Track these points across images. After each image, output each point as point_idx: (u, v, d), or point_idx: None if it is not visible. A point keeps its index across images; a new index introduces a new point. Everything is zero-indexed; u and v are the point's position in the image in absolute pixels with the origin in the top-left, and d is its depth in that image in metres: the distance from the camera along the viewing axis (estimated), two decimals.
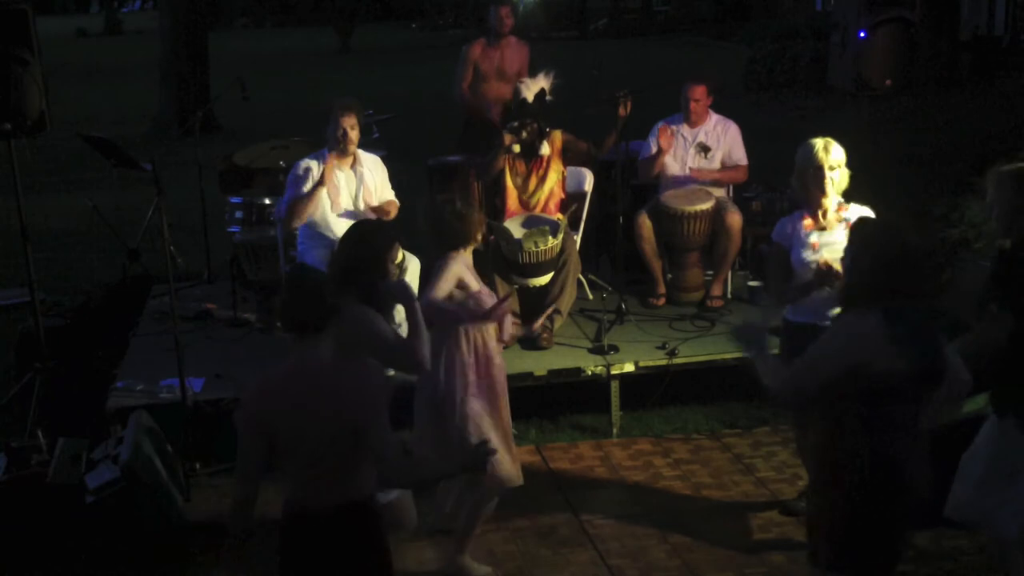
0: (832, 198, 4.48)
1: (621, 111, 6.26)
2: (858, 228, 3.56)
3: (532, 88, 6.32)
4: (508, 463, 4.38)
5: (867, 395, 3.25)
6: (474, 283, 4.42)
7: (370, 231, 4.14)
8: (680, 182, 6.67)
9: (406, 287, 4.10)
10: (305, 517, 3.18)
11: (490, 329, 4.42)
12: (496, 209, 6.37)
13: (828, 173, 4.42)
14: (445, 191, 7.13)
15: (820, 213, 4.48)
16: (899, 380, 3.22)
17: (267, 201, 6.74)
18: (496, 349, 4.44)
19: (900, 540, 3.42)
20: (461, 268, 4.38)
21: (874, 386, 3.22)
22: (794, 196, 4.69)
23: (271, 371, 3.24)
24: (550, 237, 5.94)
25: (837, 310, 4.42)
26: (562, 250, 6.05)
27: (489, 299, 4.42)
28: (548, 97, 6.34)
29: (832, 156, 4.44)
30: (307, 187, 5.81)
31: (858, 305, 3.30)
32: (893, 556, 3.42)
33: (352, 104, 5.90)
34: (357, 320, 3.81)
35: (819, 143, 4.47)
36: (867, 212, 4.50)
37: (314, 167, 5.84)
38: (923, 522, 3.62)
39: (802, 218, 4.53)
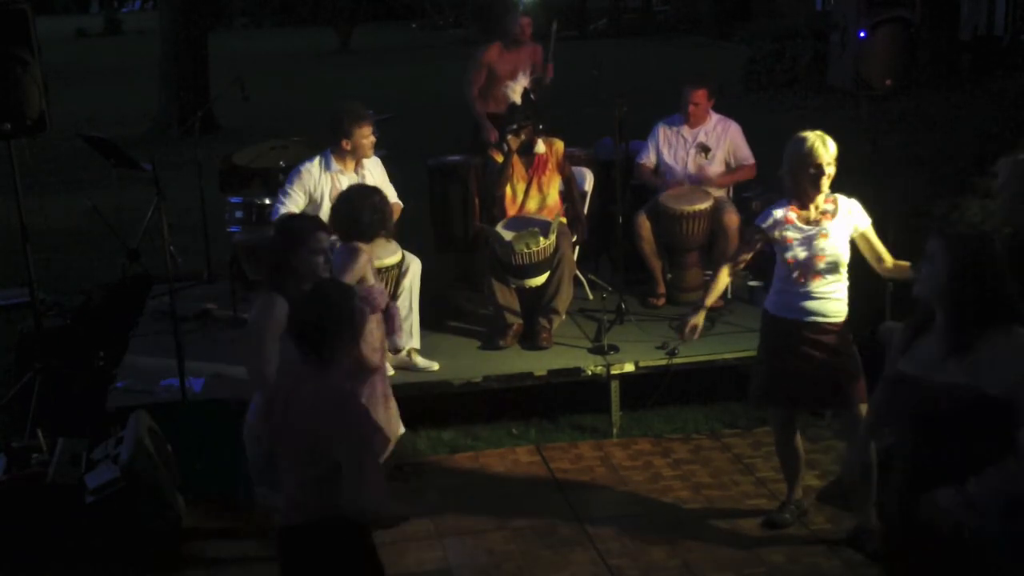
0: (824, 194, 4.38)
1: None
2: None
3: (517, 90, 6.36)
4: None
5: None
6: (371, 277, 4.56)
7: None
8: (681, 182, 6.68)
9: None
10: (295, 528, 3.21)
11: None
12: (494, 213, 6.37)
13: (827, 170, 4.31)
14: (448, 189, 7.15)
15: (812, 208, 4.39)
16: None
17: (267, 201, 6.72)
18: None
19: None
20: (366, 261, 4.51)
21: None
22: (784, 190, 4.52)
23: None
24: (541, 238, 5.94)
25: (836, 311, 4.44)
26: (556, 249, 6.05)
27: (380, 296, 4.53)
28: (532, 96, 6.37)
29: (830, 152, 4.33)
30: (303, 193, 5.81)
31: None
32: None
33: (365, 115, 5.84)
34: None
35: (814, 139, 4.34)
36: (855, 204, 4.41)
37: (316, 174, 5.83)
38: None
39: (788, 210, 4.44)
